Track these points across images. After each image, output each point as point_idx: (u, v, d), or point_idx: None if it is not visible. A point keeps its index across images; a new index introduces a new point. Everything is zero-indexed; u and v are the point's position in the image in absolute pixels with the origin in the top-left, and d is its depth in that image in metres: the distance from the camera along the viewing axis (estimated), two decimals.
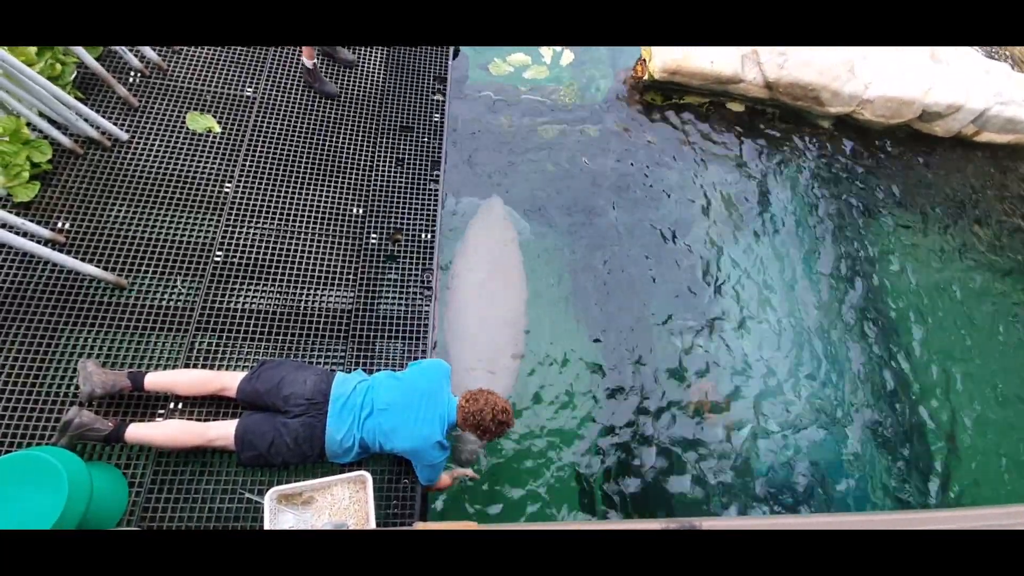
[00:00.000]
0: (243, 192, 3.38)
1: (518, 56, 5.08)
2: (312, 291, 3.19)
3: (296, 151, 3.60)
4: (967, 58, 5.51)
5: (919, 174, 5.21)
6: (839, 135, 5.22)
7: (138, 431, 2.45)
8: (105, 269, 2.92)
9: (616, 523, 3.14)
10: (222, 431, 2.53)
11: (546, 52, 5.17)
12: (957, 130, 5.39)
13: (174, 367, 2.82)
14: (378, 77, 4.06)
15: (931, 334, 4.35)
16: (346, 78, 3.99)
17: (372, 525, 2.47)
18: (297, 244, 3.31)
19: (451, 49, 4.40)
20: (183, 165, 3.36)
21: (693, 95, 5.11)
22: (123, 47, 3.41)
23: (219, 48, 3.83)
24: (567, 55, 5.19)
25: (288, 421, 2.52)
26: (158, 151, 3.36)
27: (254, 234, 3.27)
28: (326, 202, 3.48)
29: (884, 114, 5.14)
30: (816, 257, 4.52)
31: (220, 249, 3.18)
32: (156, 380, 2.59)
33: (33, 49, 3.02)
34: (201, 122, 3.51)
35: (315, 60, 3.71)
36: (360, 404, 2.56)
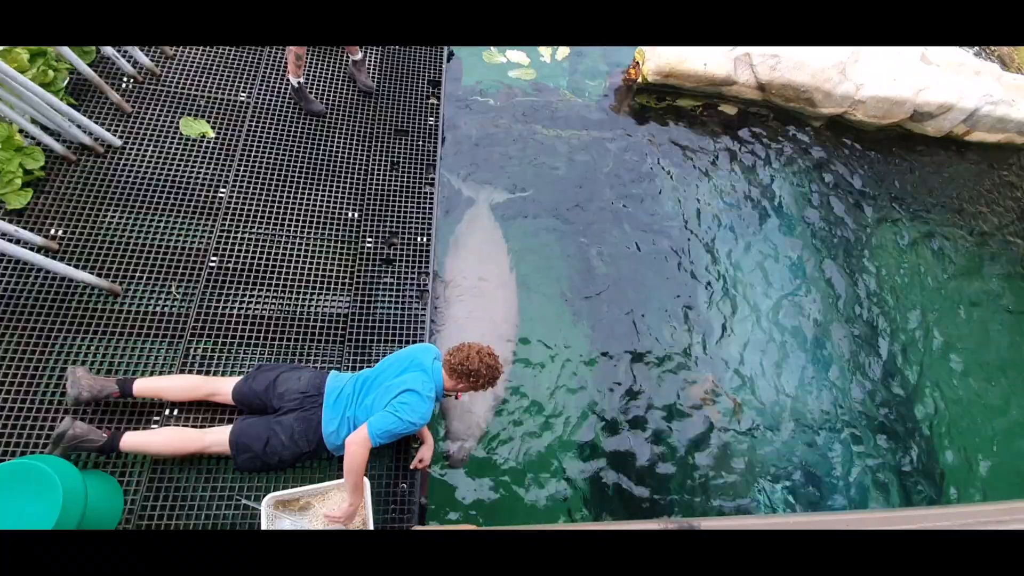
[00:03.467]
0: (238, 197, 3.37)
1: (514, 54, 5.09)
2: (308, 296, 3.18)
3: (291, 156, 3.59)
4: (957, 59, 5.56)
5: (910, 173, 5.25)
6: (831, 136, 5.25)
7: (133, 440, 2.44)
8: (99, 276, 2.90)
9: (615, 523, 3.13)
10: (218, 437, 2.52)
11: (543, 52, 5.19)
12: (948, 130, 5.44)
13: (169, 373, 2.80)
14: (373, 81, 4.05)
15: (925, 331, 4.37)
16: (344, 82, 3.98)
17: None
18: (292, 249, 3.30)
19: (445, 52, 4.40)
20: (177, 170, 3.35)
21: (686, 97, 5.13)
22: (115, 53, 3.40)
23: (212, 53, 3.82)
24: (562, 55, 5.20)
25: (282, 418, 2.52)
26: (152, 157, 3.35)
27: (249, 239, 3.26)
28: (321, 206, 3.48)
29: (876, 114, 5.18)
30: (809, 256, 4.54)
31: (215, 254, 3.17)
32: (145, 385, 2.58)
33: (25, 55, 3.00)
34: (195, 127, 3.50)
35: (301, 79, 3.61)
36: (352, 391, 2.56)
